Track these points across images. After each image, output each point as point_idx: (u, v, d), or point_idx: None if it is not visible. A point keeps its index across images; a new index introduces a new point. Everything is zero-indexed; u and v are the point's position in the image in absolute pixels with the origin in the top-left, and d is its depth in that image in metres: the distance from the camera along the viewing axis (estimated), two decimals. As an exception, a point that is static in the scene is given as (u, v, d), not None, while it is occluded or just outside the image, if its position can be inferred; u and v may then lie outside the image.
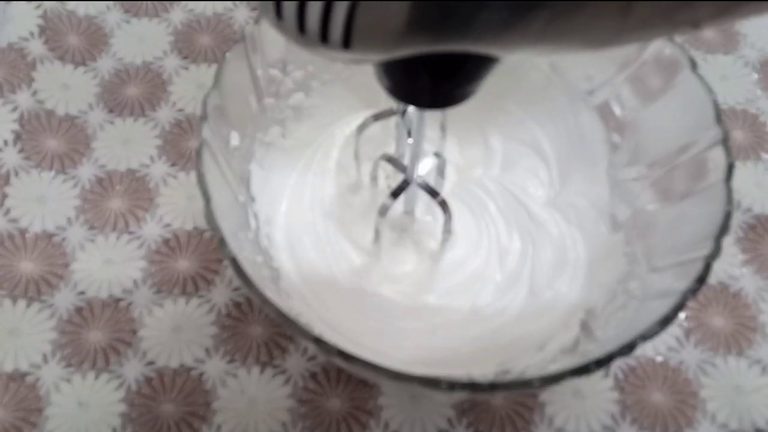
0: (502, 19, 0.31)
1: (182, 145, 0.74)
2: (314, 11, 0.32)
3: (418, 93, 0.45)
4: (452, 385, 0.43)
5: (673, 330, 0.66)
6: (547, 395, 0.63)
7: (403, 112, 0.60)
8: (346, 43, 0.33)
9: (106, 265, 0.67)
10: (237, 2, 0.82)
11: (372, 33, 0.32)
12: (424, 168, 0.62)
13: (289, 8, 0.33)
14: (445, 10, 0.31)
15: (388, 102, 0.51)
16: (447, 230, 0.64)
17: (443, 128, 0.65)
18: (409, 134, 0.59)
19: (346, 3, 0.31)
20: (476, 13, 0.31)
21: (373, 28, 0.32)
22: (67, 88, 0.76)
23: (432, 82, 0.42)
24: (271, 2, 0.33)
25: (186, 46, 0.80)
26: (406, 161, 0.60)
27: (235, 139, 0.58)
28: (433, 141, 0.65)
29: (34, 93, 0.75)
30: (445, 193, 0.64)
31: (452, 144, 0.70)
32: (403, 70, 0.41)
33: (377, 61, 0.40)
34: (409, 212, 0.66)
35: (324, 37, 0.33)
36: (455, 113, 0.49)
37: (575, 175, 0.68)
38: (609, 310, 0.57)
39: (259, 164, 0.63)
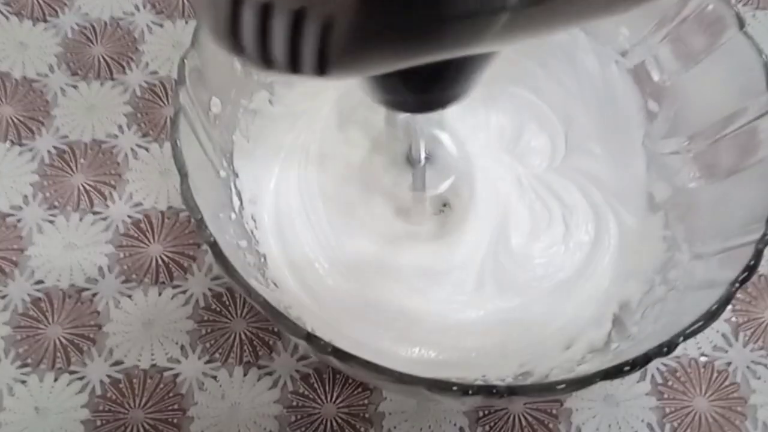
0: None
1: (155, 113, 0.73)
2: (279, 40, 0.31)
3: (410, 102, 0.45)
4: (465, 390, 0.42)
5: (719, 326, 0.65)
6: (573, 401, 0.63)
7: None
8: (322, 69, 0.32)
9: (68, 250, 0.67)
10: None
11: (352, 55, 0.32)
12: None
13: (248, 37, 0.31)
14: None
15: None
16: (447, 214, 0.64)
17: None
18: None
19: (317, 24, 0.30)
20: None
21: (352, 50, 0.31)
22: (24, 47, 0.76)
23: (424, 89, 0.42)
24: (220, 27, 0.31)
25: (160, 0, 0.79)
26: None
27: (216, 106, 0.57)
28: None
29: (-14, 53, 0.75)
30: (461, 172, 0.64)
31: (471, 115, 0.69)
32: (391, 81, 0.40)
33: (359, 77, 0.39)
34: (418, 194, 0.66)
35: (294, 66, 0.32)
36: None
37: (607, 148, 0.67)
38: (645, 303, 0.57)
39: (243, 135, 0.62)
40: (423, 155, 0.60)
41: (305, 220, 0.65)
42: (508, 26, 0.31)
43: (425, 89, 0.42)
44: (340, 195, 0.66)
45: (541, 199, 0.67)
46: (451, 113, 0.59)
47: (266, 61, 0.32)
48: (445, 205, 0.67)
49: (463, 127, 0.68)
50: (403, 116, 0.56)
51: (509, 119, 0.70)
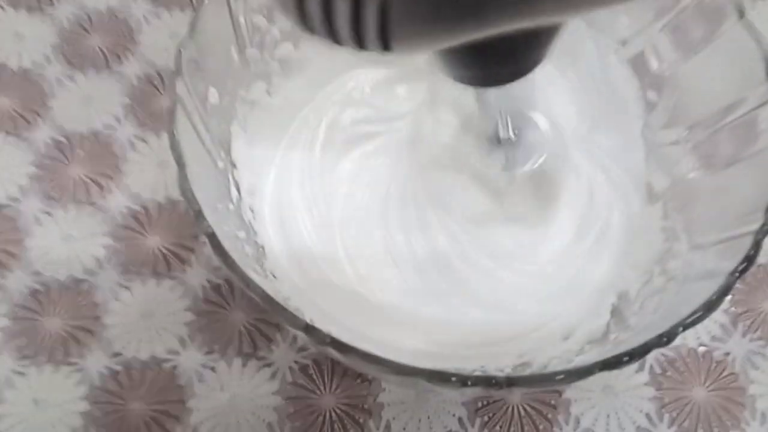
0: None
1: (153, 104, 0.73)
2: (342, 16, 0.31)
3: (480, 75, 0.45)
4: (464, 380, 0.42)
5: (718, 316, 0.66)
6: (572, 392, 0.63)
7: None
8: (386, 46, 0.32)
9: (65, 241, 0.67)
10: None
11: (413, 30, 0.32)
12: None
13: (314, 13, 0.32)
14: None
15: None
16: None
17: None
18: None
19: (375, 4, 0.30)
20: None
21: (413, 24, 0.32)
22: (20, 37, 0.76)
23: (491, 61, 0.42)
24: (294, 10, 0.33)
25: (157, -10, 0.79)
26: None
27: (213, 97, 0.57)
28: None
29: (-18, 43, 0.75)
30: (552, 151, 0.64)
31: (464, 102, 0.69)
32: (457, 54, 0.41)
33: (426, 54, 0.40)
34: (510, 173, 0.65)
35: (360, 44, 0.33)
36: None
37: (605, 138, 0.67)
38: (644, 294, 0.57)
39: (241, 125, 0.62)
40: (511, 132, 0.60)
41: (305, 212, 0.65)
42: None
43: (493, 62, 0.42)
44: (339, 187, 0.66)
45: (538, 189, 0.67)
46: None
47: (334, 37, 0.33)
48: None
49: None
50: (491, 95, 0.56)
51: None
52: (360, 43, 0.33)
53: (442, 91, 0.68)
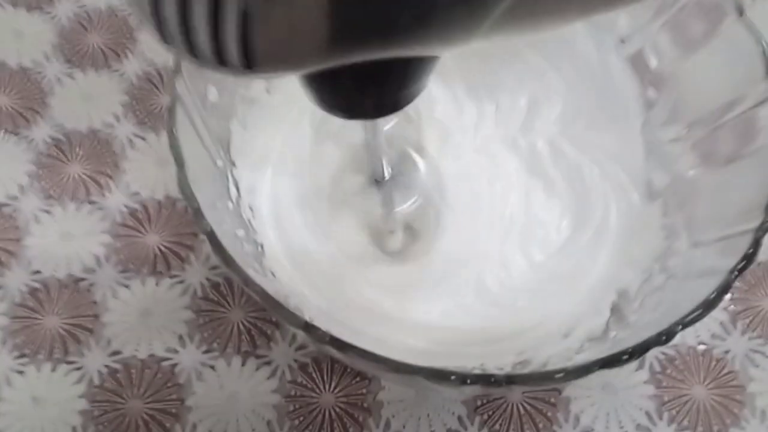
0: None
1: (152, 102, 0.73)
2: (201, 24, 0.29)
3: (353, 105, 0.44)
4: (464, 379, 0.42)
5: (718, 314, 0.66)
6: (572, 390, 0.63)
7: None
8: (248, 63, 0.30)
9: (65, 239, 0.67)
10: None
11: (279, 49, 0.30)
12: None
13: (172, 24, 0.29)
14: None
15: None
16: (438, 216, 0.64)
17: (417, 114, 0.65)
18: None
19: (235, 10, 0.27)
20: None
21: (279, 43, 0.29)
22: (20, 35, 0.76)
23: (368, 92, 0.41)
24: (150, 18, 0.30)
25: (156, -12, 0.79)
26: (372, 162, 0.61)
27: (213, 95, 0.57)
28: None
29: (-19, 42, 0.75)
30: (450, 156, 0.64)
31: (461, 99, 0.69)
32: (328, 81, 0.40)
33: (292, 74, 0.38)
34: (388, 212, 0.65)
35: (220, 58, 0.30)
36: (462, 63, 0.48)
37: (605, 136, 0.67)
38: (644, 291, 0.57)
39: (240, 123, 0.62)
40: (387, 172, 0.60)
41: (304, 210, 0.65)
42: (507, 16, 0.31)
43: (363, 91, 0.41)
44: (339, 186, 0.66)
45: (539, 188, 0.67)
46: (442, 112, 0.60)
47: (193, 51, 0.30)
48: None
49: (450, 128, 0.69)
50: (372, 131, 0.55)
51: (509, 106, 0.70)
52: (220, 58, 0.30)
53: (328, 124, 0.68)
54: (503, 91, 0.71)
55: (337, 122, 0.57)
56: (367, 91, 0.41)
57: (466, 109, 0.70)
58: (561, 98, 0.69)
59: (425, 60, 0.39)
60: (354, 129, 0.63)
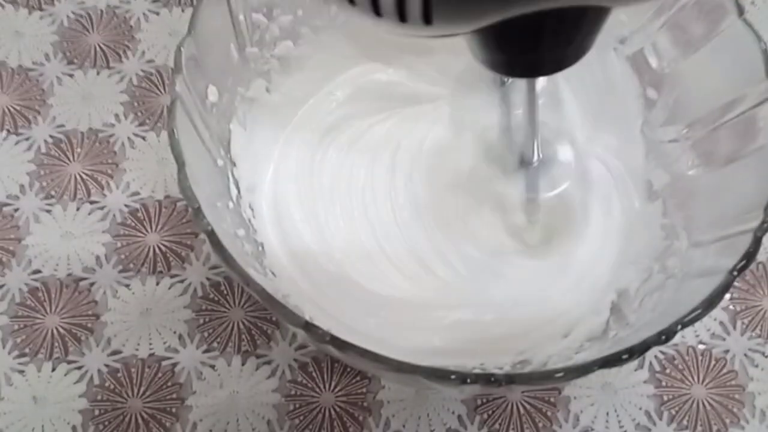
0: None
1: (152, 102, 0.73)
2: None
3: (521, 63, 0.44)
4: (464, 378, 0.42)
5: (718, 314, 0.66)
6: (572, 389, 0.63)
7: (503, 82, 0.60)
8: (427, 18, 0.32)
9: (65, 239, 0.67)
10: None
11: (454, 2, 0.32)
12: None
13: None
14: None
15: (391, 53, 0.51)
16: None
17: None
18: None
19: None
20: None
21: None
22: (20, 36, 0.76)
23: (535, 47, 0.42)
24: None
25: (157, -12, 0.79)
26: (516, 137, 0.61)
27: (213, 95, 0.57)
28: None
29: (-18, 42, 0.75)
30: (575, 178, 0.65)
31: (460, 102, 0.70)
32: (498, 38, 0.40)
33: (465, 33, 0.39)
34: (532, 199, 0.65)
35: (402, 15, 0.32)
36: (461, 65, 0.48)
37: (605, 135, 0.67)
38: (644, 291, 0.57)
39: (240, 123, 0.62)
40: (537, 156, 0.60)
41: (304, 210, 0.65)
42: None
43: (532, 47, 0.42)
44: (338, 186, 0.66)
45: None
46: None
47: (375, 9, 0.33)
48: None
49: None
50: (517, 122, 0.56)
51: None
52: (402, 15, 0.32)
53: (466, 116, 0.68)
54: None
55: (340, 124, 0.57)
56: (535, 46, 0.42)
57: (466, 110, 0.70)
58: (561, 98, 0.69)
59: (590, 17, 0.40)
60: (359, 136, 0.63)
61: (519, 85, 0.53)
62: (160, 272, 0.66)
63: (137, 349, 0.63)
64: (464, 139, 0.67)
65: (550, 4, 0.34)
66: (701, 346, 0.64)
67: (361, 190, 0.66)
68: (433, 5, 0.31)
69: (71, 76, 0.74)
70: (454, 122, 0.69)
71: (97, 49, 0.76)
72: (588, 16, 0.39)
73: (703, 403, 0.62)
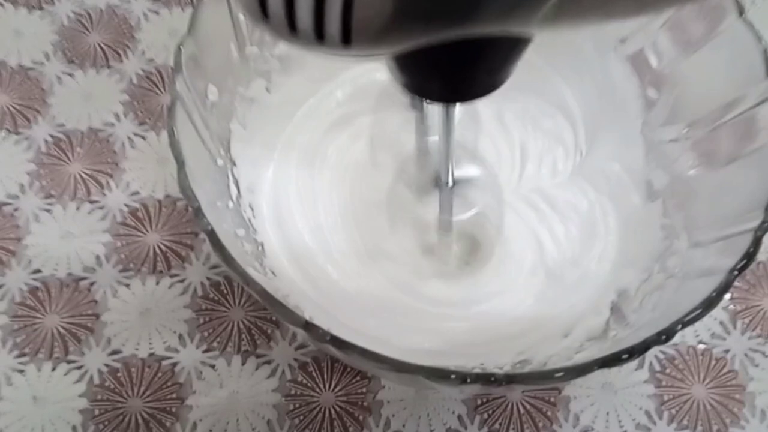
0: None
1: (152, 101, 0.73)
2: (305, 5, 0.31)
3: (441, 87, 0.44)
4: (463, 378, 0.42)
5: (718, 314, 0.66)
6: (572, 389, 0.63)
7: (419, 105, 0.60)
8: (346, 38, 0.32)
9: (65, 239, 0.67)
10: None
11: (376, 23, 0.31)
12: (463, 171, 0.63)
13: (275, 4, 0.31)
14: None
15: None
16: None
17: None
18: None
19: None
20: None
21: (376, 17, 0.31)
22: (20, 35, 0.76)
23: (455, 72, 0.42)
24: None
25: (156, -13, 0.79)
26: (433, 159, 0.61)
27: (213, 94, 0.57)
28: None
29: (-19, 41, 0.75)
30: (487, 203, 0.65)
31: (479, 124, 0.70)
32: (417, 61, 0.40)
33: (385, 55, 0.39)
34: (445, 221, 0.65)
35: (319, 33, 0.32)
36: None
37: (605, 136, 0.67)
38: (644, 291, 0.57)
39: (240, 123, 0.62)
40: (451, 178, 0.60)
41: (303, 209, 0.65)
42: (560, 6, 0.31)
43: (455, 73, 0.41)
44: (339, 186, 0.66)
45: (539, 187, 0.67)
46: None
47: (292, 29, 0.32)
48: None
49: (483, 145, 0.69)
50: (433, 140, 0.56)
51: (510, 107, 0.70)
52: (319, 34, 0.32)
53: (383, 132, 0.68)
54: (503, 92, 0.71)
55: (339, 123, 0.57)
56: (454, 73, 0.42)
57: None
58: (560, 98, 0.69)
59: (510, 47, 0.40)
60: (356, 135, 0.63)
61: (437, 107, 0.53)
62: (160, 272, 0.66)
63: (137, 349, 0.63)
64: (382, 158, 0.68)
65: (473, 31, 0.34)
66: (701, 346, 0.64)
67: (358, 189, 0.66)
68: (354, 26, 0.31)
69: (71, 75, 0.75)
70: (373, 140, 0.69)
71: (97, 48, 0.76)
72: (509, 45, 0.40)
73: (704, 403, 0.62)
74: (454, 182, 0.60)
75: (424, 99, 0.48)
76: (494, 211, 0.66)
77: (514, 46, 0.40)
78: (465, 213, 0.65)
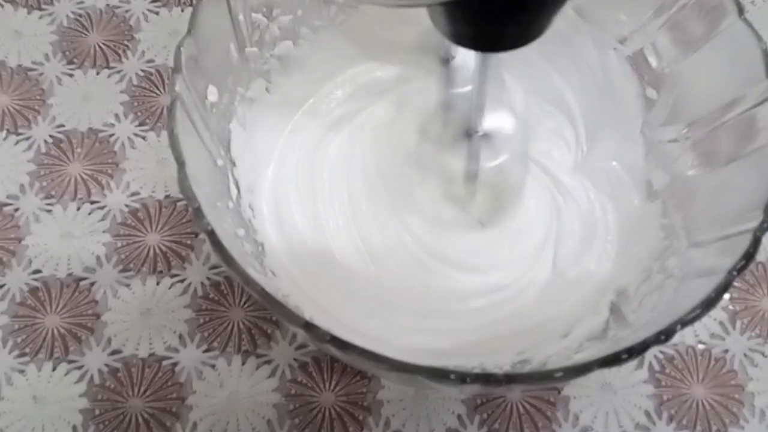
0: None
1: (152, 102, 0.73)
2: None
3: (482, 35, 0.45)
4: (463, 378, 0.42)
5: (717, 314, 0.66)
6: (571, 389, 0.63)
7: (447, 60, 0.61)
8: None
9: (65, 239, 0.67)
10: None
11: None
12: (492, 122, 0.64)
13: None
14: None
15: (390, 51, 0.51)
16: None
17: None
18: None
19: None
20: None
21: None
22: (19, 35, 0.76)
23: (496, 20, 0.42)
24: None
25: (156, -12, 0.79)
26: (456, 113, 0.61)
27: (212, 95, 0.57)
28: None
29: (-19, 41, 0.75)
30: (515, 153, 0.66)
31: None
32: (464, 10, 0.41)
33: (435, 3, 0.39)
34: (472, 173, 0.66)
35: None
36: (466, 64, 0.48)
37: (605, 135, 0.67)
38: (643, 291, 0.57)
39: (240, 123, 0.63)
40: (481, 127, 0.60)
41: (304, 210, 0.65)
42: None
43: (493, 20, 0.42)
44: (338, 186, 0.66)
45: (539, 188, 0.67)
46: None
47: None
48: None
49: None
50: (458, 93, 0.57)
51: (508, 109, 0.70)
52: None
53: (409, 94, 0.69)
54: (505, 91, 0.71)
55: (338, 123, 0.57)
56: (495, 21, 0.43)
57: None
58: (561, 98, 0.69)
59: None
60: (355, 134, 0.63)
61: (462, 63, 0.54)
62: (161, 272, 0.66)
63: (137, 349, 0.63)
64: (405, 115, 0.69)
65: None
66: (701, 346, 0.64)
67: (356, 189, 0.66)
68: None
69: (71, 75, 0.75)
70: (397, 100, 0.70)
71: (97, 48, 0.76)
72: None
73: (703, 403, 0.63)
74: (484, 132, 0.61)
75: (461, 49, 0.49)
76: (518, 164, 0.67)
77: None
78: (492, 162, 0.65)
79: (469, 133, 0.62)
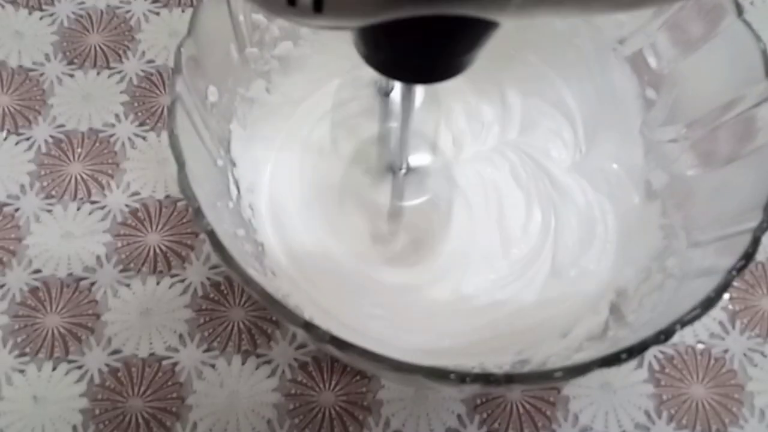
0: None
1: (152, 102, 0.73)
2: None
3: (404, 65, 0.44)
4: (463, 377, 0.42)
5: (717, 314, 0.66)
6: (571, 389, 0.63)
7: (386, 91, 0.60)
8: (318, 6, 0.32)
9: (65, 239, 0.67)
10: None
11: None
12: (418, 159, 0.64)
13: None
14: None
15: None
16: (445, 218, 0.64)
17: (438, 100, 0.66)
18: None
19: None
20: None
21: None
22: (20, 36, 0.76)
23: (421, 51, 0.42)
24: None
25: (156, -12, 0.79)
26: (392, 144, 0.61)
27: (213, 95, 0.57)
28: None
29: (-18, 42, 0.75)
30: (454, 159, 0.65)
31: (463, 103, 0.70)
32: (386, 36, 0.40)
33: (355, 27, 0.39)
34: (396, 204, 0.66)
35: (292, 1, 0.32)
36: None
37: (604, 136, 0.67)
38: (643, 291, 0.57)
39: (240, 123, 0.63)
40: (405, 164, 0.60)
41: (303, 210, 0.65)
42: None
43: (424, 51, 0.41)
44: (337, 186, 0.67)
45: (539, 189, 0.67)
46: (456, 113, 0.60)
47: None
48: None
49: (458, 129, 0.69)
50: (395, 127, 0.57)
51: (508, 109, 0.70)
52: (292, 1, 0.32)
53: (344, 117, 0.69)
54: (504, 93, 0.71)
55: (338, 123, 0.57)
56: (421, 52, 0.42)
57: (472, 112, 0.70)
58: (560, 98, 0.69)
59: (479, 30, 0.39)
60: (362, 125, 0.63)
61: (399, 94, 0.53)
62: (161, 272, 0.66)
63: (137, 349, 0.63)
64: (341, 144, 0.69)
65: (445, 10, 0.34)
66: (700, 346, 0.64)
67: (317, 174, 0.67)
68: None
69: (71, 76, 0.75)
70: (334, 127, 0.69)
71: (97, 49, 0.76)
72: (477, 29, 0.39)
73: (702, 403, 0.63)
74: (409, 169, 0.60)
75: (389, 82, 0.48)
76: (444, 201, 0.67)
77: (482, 31, 0.40)
78: (416, 200, 0.65)
79: (393, 170, 0.62)
